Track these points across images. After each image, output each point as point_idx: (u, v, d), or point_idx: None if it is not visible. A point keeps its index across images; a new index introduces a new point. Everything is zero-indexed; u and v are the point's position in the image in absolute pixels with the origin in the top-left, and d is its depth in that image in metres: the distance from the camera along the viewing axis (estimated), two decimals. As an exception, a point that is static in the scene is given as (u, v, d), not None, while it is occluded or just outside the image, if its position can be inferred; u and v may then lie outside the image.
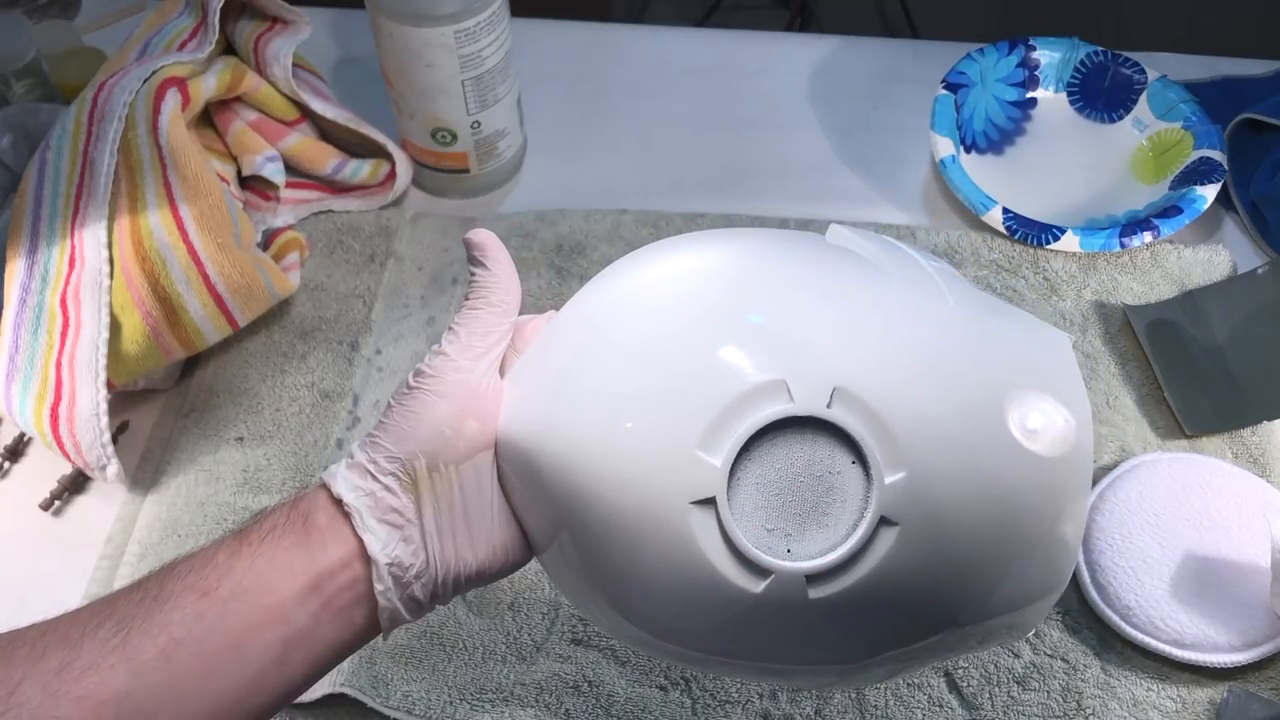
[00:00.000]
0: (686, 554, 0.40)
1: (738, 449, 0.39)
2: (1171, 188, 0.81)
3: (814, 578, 0.39)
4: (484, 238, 0.46)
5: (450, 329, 0.44)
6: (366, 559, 0.41)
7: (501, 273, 0.45)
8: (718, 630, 0.42)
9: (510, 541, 0.45)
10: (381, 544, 0.41)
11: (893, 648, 0.42)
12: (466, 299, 0.45)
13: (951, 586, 0.41)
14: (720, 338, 0.40)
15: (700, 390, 0.39)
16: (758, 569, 0.39)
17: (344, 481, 0.42)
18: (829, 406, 0.39)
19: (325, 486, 0.42)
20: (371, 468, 0.42)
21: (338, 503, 0.42)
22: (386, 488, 0.42)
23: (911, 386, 0.39)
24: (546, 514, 0.43)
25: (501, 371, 0.45)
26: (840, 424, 0.39)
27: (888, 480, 0.38)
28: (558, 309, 0.46)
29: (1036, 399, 0.40)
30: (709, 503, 0.39)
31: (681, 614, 0.41)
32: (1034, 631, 0.63)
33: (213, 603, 0.39)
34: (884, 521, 0.39)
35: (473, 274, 0.46)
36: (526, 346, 0.46)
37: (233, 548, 0.41)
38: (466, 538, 0.43)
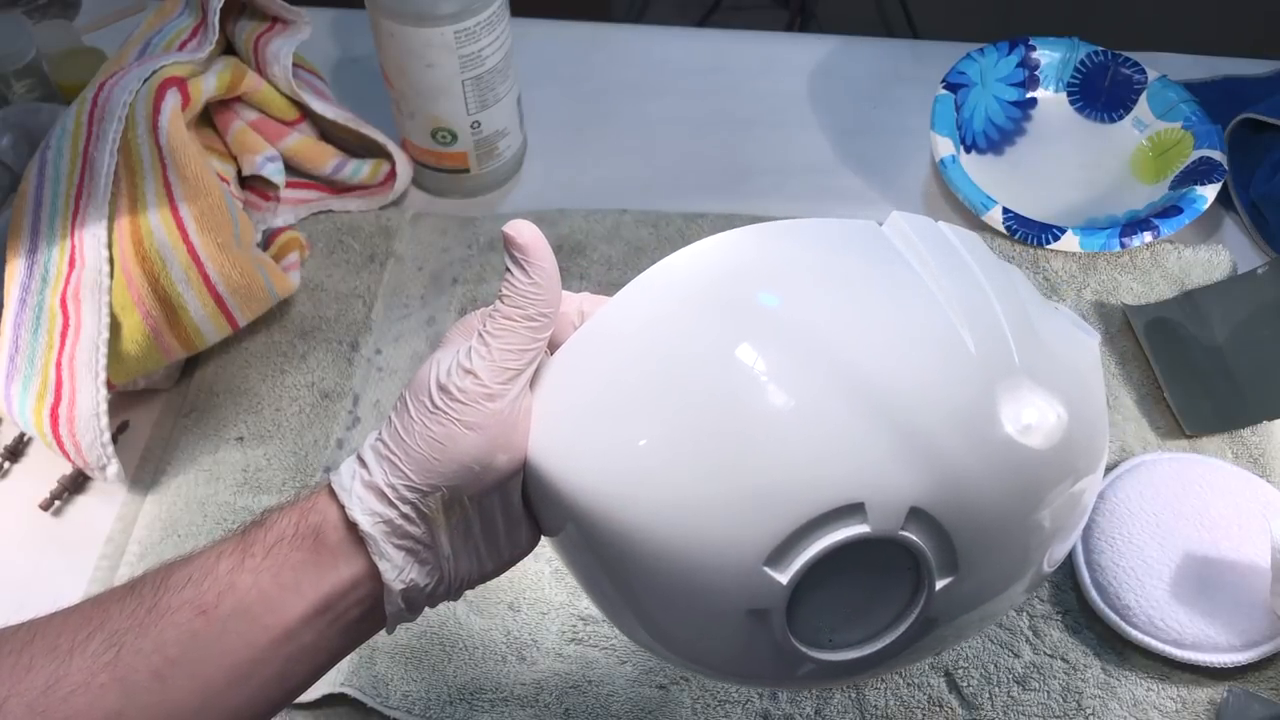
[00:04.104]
0: (733, 645, 0.40)
1: (805, 570, 0.37)
2: (1171, 188, 0.81)
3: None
4: (528, 237, 0.40)
5: (480, 337, 0.40)
6: (379, 578, 0.40)
7: (543, 280, 0.40)
8: (745, 678, 0.43)
9: (526, 539, 0.43)
10: (397, 571, 0.40)
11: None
12: (500, 303, 0.40)
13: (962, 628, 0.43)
14: (799, 438, 0.36)
15: (775, 504, 0.36)
16: (800, 658, 0.39)
17: (359, 504, 0.40)
18: (902, 529, 0.37)
19: (337, 500, 0.40)
20: (389, 492, 0.40)
21: (351, 524, 0.40)
22: (404, 515, 0.40)
23: (979, 498, 0.38)
24: (573, 541, 0.42)
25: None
26: (910, 547, 0.37)
27: (938, 586, 0.39)
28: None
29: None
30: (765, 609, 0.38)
31: (711, 659, 0.42)
32: (1034, 631, 0.63)
33: (211, 621, 0.38)
34: (923, 618, 0.39)
35: (509, 274, 0.40)
36: (562, 340, 0.41)
37: (235, 559, 0.39)
38: (484, 552, 0.42)
